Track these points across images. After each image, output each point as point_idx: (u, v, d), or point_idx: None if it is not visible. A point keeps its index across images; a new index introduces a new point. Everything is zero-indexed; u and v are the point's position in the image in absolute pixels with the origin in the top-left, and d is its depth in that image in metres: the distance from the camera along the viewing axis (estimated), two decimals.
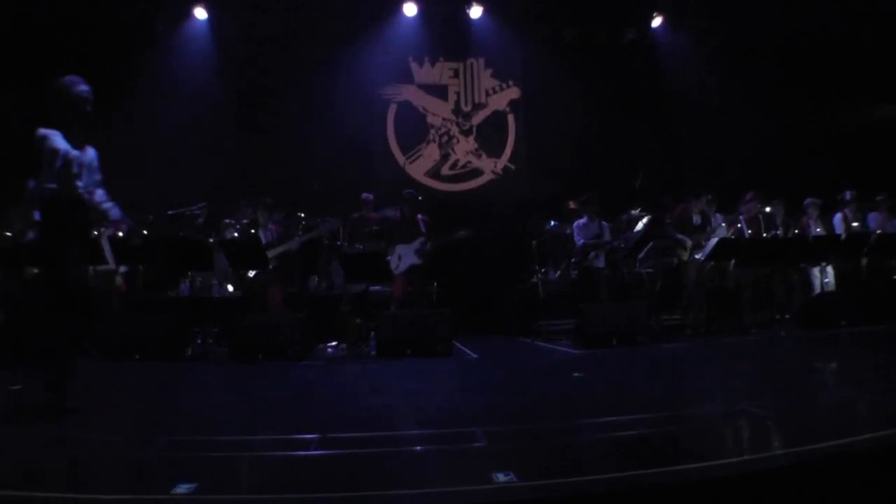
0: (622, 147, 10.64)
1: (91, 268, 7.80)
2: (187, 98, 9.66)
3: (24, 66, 9.32)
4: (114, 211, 4.55)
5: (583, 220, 8.54)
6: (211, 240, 7.77)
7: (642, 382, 5.21)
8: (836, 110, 10.45)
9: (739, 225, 8.42)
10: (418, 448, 3.25)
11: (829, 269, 8.62)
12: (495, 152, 11.40)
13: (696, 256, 8.16)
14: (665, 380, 5.29)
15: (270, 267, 7.65)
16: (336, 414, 4.22)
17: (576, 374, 5.58)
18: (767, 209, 8.61)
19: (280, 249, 7.84)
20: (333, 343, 7.72)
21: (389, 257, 7.97)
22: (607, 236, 8.54)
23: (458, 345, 7.53)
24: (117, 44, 9.66)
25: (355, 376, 6.10)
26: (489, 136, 11.42)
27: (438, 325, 7.01)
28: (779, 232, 8.56)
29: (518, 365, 6.83)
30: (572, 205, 9.51)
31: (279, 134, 10.30)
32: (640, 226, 8.65)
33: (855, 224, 8.88)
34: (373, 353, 7.13)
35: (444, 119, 11.35)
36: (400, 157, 11.16)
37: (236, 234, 8.15)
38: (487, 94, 11.47)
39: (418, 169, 11.16)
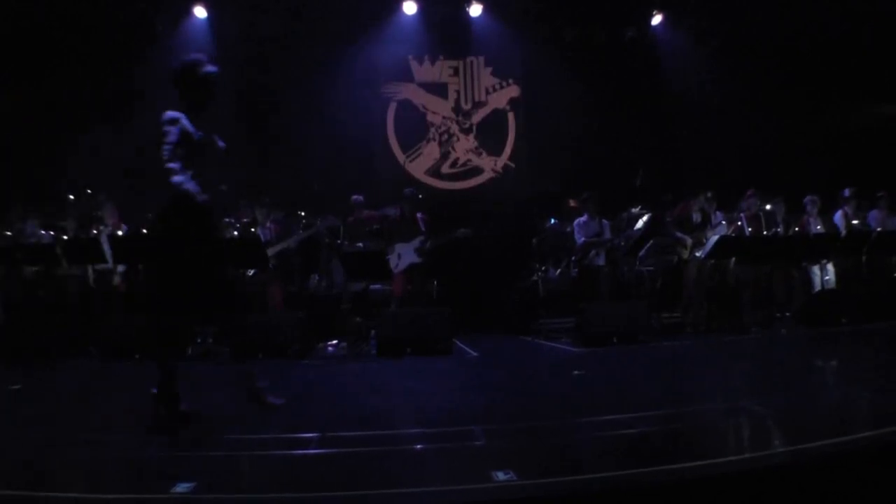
0: (622, 145, 10.62)
1: (90, 267, 7.85)
2: None
3: (24, 65, 9.33)
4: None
5: (583, 219, 8.53)
6: None
7: (642, 381, 5.21)
8: (837, 108, 10.42)
9: (740, 223, 8.41)
10: (418, 447, 3.25)
11: (830, 267, 8.61)
12: (495, 150, 11.39)
13: (697, 254, 8.15)
14: (665, 378, 5.29)
15: (270, 266, 7.64)
16: (336, 413, 4.22)
17: (576, 373, 5.58)
18: (768, 207, 8.60)
19: (278, 247, 7.85)
20: (333, 342, 7.71)
21: (389, 256, 7.96)
22: (608, 234, 8.53)
23: (459, 343, 7.53)
24: (117, 43, 9.65)
25: (355, 375, 6.10)
26: (489, 135, 11.39)
27: (438, 324, 7.01)
28: (779, 230, 8.54)
29: (518, 363, 6.84)
30: (572, 203, 9.50)
31: (279, 133, 10.29)
32: (640, 224, 8.64)
33: (855, 222, 8.86)
34: (373, 351, 7.12)
35: (444, 117, 11.33)
36: (400, 155, 11.15)
37: (236, 234, 8.14)
38: (487, 93, 11.44)
39: (418, 167, 11.15)
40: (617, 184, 9.48)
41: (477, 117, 11.40)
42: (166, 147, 3.73)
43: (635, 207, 8.91)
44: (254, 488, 2.74)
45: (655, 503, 2.45)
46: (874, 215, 8.93)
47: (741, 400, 3.93)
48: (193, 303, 3.77)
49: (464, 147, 11.32)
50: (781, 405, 3.79)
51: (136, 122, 8.99)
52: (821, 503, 2.52)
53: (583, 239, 8.43)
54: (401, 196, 8.54)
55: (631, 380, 5.31)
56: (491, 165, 11.36)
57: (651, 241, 8.53)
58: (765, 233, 8.44)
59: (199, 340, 7.58)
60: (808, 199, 8.85)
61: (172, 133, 3.76)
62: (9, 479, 2.85)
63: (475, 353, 7.13)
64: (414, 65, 11.28)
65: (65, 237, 7.99)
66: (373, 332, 7.37)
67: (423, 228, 8.27)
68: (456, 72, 11.42)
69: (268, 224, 8.12)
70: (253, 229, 8.07)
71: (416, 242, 8.19)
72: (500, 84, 11.47)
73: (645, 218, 8.63)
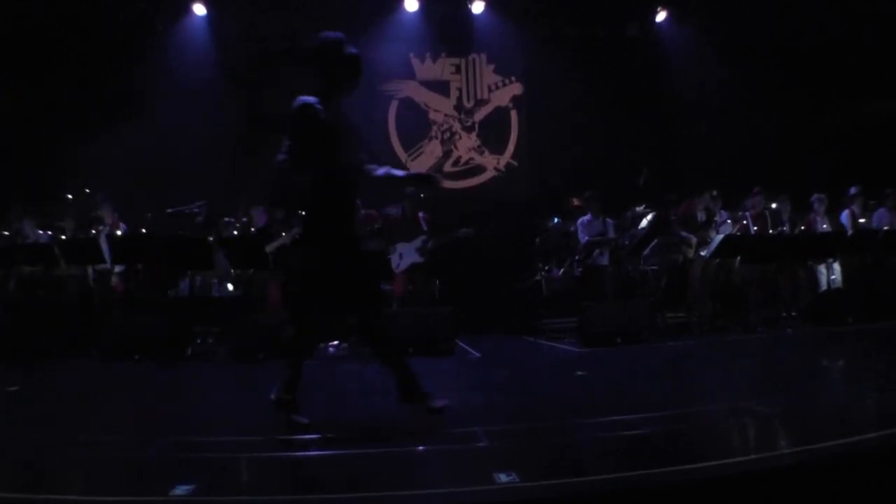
0: (626, 143, 10.55)
1: (89, 268, 7.81)
2: (186, 95, 9.60)
3: (22, 64, 9.30)
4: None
5: (587, 218, 8.50)
6: (211, 239, 7.72)
7: (646, 381, 5.17)
8: (843, 105, 10.34)
9: (745, 222, 8.36)
10: (420, 448, 3.23)
11: (836, 266, 8.54)
12: (498, 149, 11.32)
13: (702, 254, 8.10)
14: (669, 379, 5.25)
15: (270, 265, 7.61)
16: (337, 414, 4.20)
17: (579, 373, 5.53)
18: (773, 205, 8.56)
19: (274, 245, 7.82)
20: (334, 342, 7.67)
21: (390, 255, 7.94)
22: (611, 234, 8.49)
23: (461, 343, 7.51)
24: (116, 42, 9.61)
25: (356, 376, 6.06)
26: (491, 133, 11.34)
27: (440, 324, 7.00)
28: (785, 228, 8.49)
29: (521, 364, 6.80)
30: (576, 202, 9.43)
31: (279, 131, 10.21)
32: (644, 223, 8.59)
33: (862, 220, 8.80)
34: None
35: (445, 115, 11.27)
36: (401, 153, 11.10)
37: (236, 233, 8.11)
38: (490, 90, 11.39)
39: (420, 166, 11.08)
40: (621, 182, 9.41)
41: (479, 115, 11.34)
42: (299, 135, 3.53)
43: (639, 206, 8.87)
44: (254, 490, 2.74)
45: None
46: (881, 213, 8.85)
47: (746, 400, 3.90)
48: (337, 300, 3.64)
49: (466, 145, 11.26)
50: (787, 406, 3.76)
51: (135, 121, 9.02)
52: None
53: (586, 238, 8.40)
54: (402, 195, 8.50)
55: (634, 380, 5.27)
56: (493, 164, 11.30)
57: (655, 241, 8.47)
58: (770, 232, 8.37)
59: (199, 340, 7.56)
60: (815, 197, 8.80)
61: (306, 119, 3.53)
62: (8, 480, 2.85)
63: (477, 354, 7.10)
64: (415, 62, 11.23)
65: (63, 237, 7.96)
66: None
67: (424, 228, 8.26)
68: (458, 69, 11.36)
69: (262, 224, 8.10)
70: (253, 229, 8.04)
71: (417, 242, 8.19)
72: (503, 82, 11.41)
73: (649, 217, 8.59)
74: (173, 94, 9.52)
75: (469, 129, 11.31)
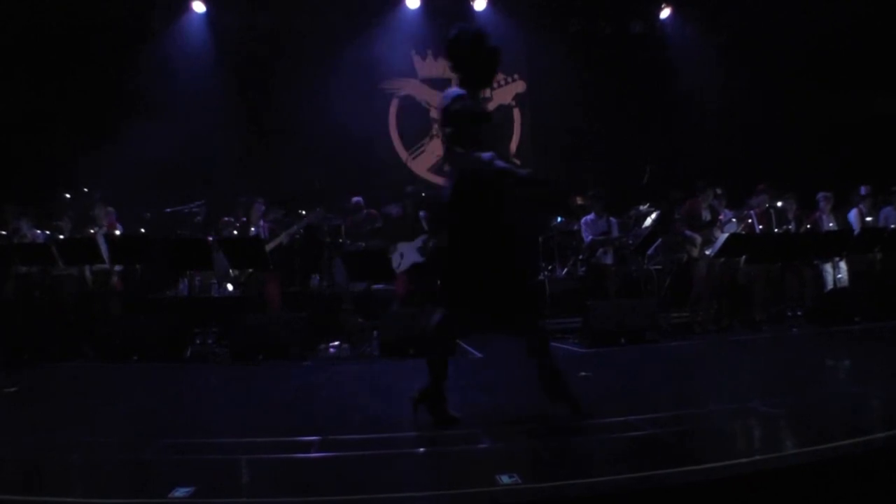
0: (630, 141, 10.49)
1: (87, 267, 7.76)
2: (185, 94, 9.54)
3: (16, 63, 9.24)
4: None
5: (590, 216, 8.45)
6: (210, 238, 7.67)
7: (650, 382, 5.14)
8: (849, 103, 10.25)
9: (750, 220, 8.29)
10: (421, 450, 3.26)
11: (842, 265, 8.47)
12: None
13: (706, 252, 8.04)
14: (674, 379, 5.22)
15: (269, 265, 7.56)
16: (337, 415, 4.19)
17: (582, 374, 5.44)
18: (779, 203, 8.49)
19: (272, 245, 7.79)
20: (335, 343, 7.62)
21: (391, 255, 7.90)
22: (615, 232, 8.45)
23: (462, 344, 7.42)
24: (112, 39, 9.55)
25: (357, 377, 6.05)
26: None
27: None
28: (791, 227, 8.42)
29: (523, 364, 6.68)
30: (579, 200, 9.37)
31: (279, 130, 10.20)
32: (648, 222, 8.54)
33: (869, 219, 8.75)
34: (375, 353, 7.03)
35: None
36: (402, 152, 11.03)
37: (235, 233, 8.05)
38: (492, 88, 11.30)
39: (421, 165, 11.04)
40: (624, 180, 9.35)
41: None
42: (455, 127, 3.43)
43: (643, 205, 8.81)
44: (253, 493, 2.75)
45: None
46: (888, 212, 8.77)
47: (751, 401, 3.89)
48: (490, 299, 3.58)
49: None
50: (793, 405, 3.76)
51: (134, 119, 8.96)
52: None
53: (590, 237, 8.35)
54: (403, 194, 8.45)
55: (638, 380, 5.23)
56: None
57: (659, 240, 8.42)
58: (776, 230, 8.30)
59: (198, 341, 7.50)
60: (821, 195, 8.74)
61: (461, 111, 3.43)
62: (6, 482, 2.83)
63: (479, 354, 7.04)
64: (417, 60, 11.17)
65: (60, 237, 7.90)
66: (375, 332, 7.29)
67: (426, 227, 8.19)
68: None
69: (260, 223, 8.03)
70: (253, 228, 7.99)
71: (419, 241, 8.18)
72: (506, 80, 11.35)
73: (653, 215, 8.54)
74: (172, 93, 9.48)
75: None
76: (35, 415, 4.37)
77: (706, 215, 8.26)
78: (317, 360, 6.97)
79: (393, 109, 11.09)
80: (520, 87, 11.36)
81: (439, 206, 3.85)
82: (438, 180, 10.98)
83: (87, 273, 7.80)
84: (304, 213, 8.54)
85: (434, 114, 11.15)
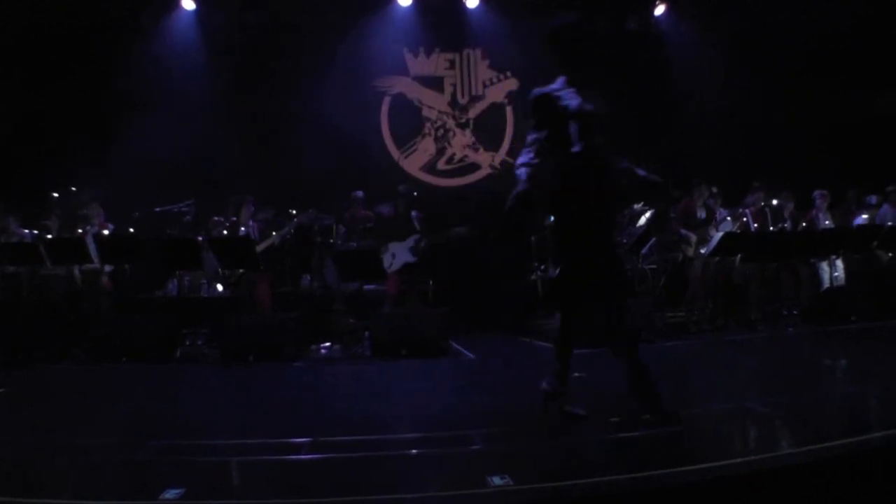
0: (624, 139, 10.38)
1: (76, 268, 7.67)
2: (174, 91, 9.44)
3: (7, 63, 9.13)
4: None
5: None
6: (200, 238, 7.59)
7: None
8: (846, 100, 10.21)
9: (745, 219, 8.25)
10: (413, 451, 3.26)
11: (839, 264, 8.44)
12: (493, 146, 11.17)
13: (702, 251, 8.01)
14: (669, 379, 5.12)
15: (260, 266, 7.50)
16: (329, 417, 4.22)
17: (575, 375, 5.37)
18: (774, 202, 8.46)
19: (263, 245, 7.73)
20: (327, 343, 7.60)
21: (383, 255, 7.87)
22: None
23: (455, 345, 7.47)
24: (101, 38, 9.44)
25: (349, 378, 6.08)
26: (486, 130, 11.18)
27: (434, 325, 6.98)
28: (787, 225, 8.39)
29: (516, 365, 6.73)
30: None
31: (270, 129, 10.11)
32: (642, 220, 8.47)
33: (865, 216, 8.72)
34: (367, 353, 7.03)
35: (439, 112, 11.11)
36: (394, 151, 10.93)
37: (225, 233, 7.98)
38: (485, 86, 11.23)
39: (413, 163, 10.94)
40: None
41: (474, 112, 11.18)
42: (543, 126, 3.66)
43: (638, 204, 8.73)
44: (244, 494, 2.77)
45: None
46: (885, 210, 8.75)
47: (747, 401, 3.93)
48: (590, 293, 3.77)
49: (460, 142, 11.10)
50: (789, 405, 3.79)
51: (123, 118, 8.87)
52: None
53: None
54: (395, 193, 8.39)
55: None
56: (488, 161, 11.14)
57: (654, 239, 8.37)
58: (771, 228, 8.26)
59: (188, 342, 7.44)
60: (817, 193, 8.72)
61: (571, 104, 3.66)
62: None
63: (472, 355, 7.06)
64: (409, 58, 11.05)
65: (48, 236, 7.80)
66: (367, 333, 7.28)
67: (418, 227, 8.16)
68: (452, 65, 11.20)
69: (250, 223, 7.96)
70: (243, 228, 7.92)
71: (410, 241, 8.17)
72: (498, 77, 11.26)
73: (647, 214, 8.47)
74: (161, 91, 9.37)
75: (463, 126, 11.14)
76: (25, 416, 4.38)
77: (701, 214, 8.23)
78: (308, 360, 7.00)
79: (385, 108, 10.99)
80: (512, 84, 11.25)
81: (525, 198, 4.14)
82: (431, 179, 10.92)
83: (77, 273, 7.72)
84: (294, 212, 8.47)
85: (426, 112, 11.08)
